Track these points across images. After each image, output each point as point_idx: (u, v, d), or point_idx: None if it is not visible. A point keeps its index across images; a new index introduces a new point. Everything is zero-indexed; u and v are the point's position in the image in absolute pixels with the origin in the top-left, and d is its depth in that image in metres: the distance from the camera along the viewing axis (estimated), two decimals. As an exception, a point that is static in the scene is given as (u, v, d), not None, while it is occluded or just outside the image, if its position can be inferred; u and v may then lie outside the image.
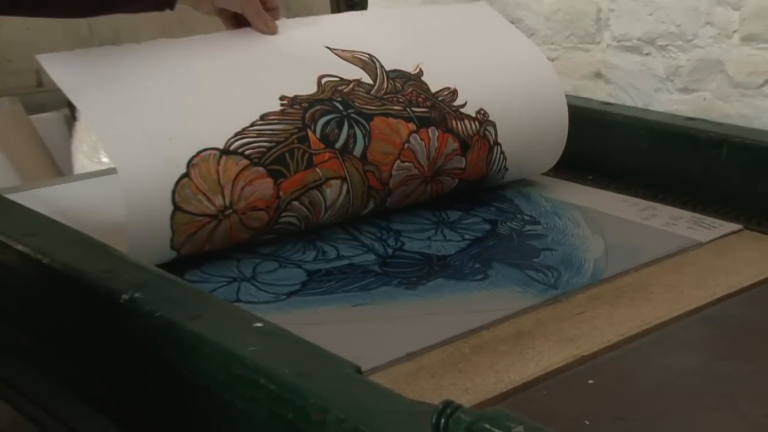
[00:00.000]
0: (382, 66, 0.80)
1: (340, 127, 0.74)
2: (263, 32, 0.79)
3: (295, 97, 0.74)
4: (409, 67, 0.81)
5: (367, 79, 0.79)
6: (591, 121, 0.92)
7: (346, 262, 0.73)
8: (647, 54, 1.21)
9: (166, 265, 0.67)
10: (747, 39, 1.11)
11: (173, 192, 0.67)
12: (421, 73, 0.82)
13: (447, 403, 0.39)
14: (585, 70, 1.29)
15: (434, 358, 0.59)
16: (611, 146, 0.90)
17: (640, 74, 1.23)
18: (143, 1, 0.75)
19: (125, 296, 0.51)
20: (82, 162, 1.49)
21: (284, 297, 0.67)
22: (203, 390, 0.47)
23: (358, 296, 0.67)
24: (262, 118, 0.72)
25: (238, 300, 0.66)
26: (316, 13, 0.94)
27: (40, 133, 1.53)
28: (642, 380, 0.55)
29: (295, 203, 0.72)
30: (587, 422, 0.51)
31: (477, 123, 0.81)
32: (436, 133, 0.78)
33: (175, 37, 0.79)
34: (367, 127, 0.75)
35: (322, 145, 0.73)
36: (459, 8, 0.94)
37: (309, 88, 0.75)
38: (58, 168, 1.49)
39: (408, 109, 0.78)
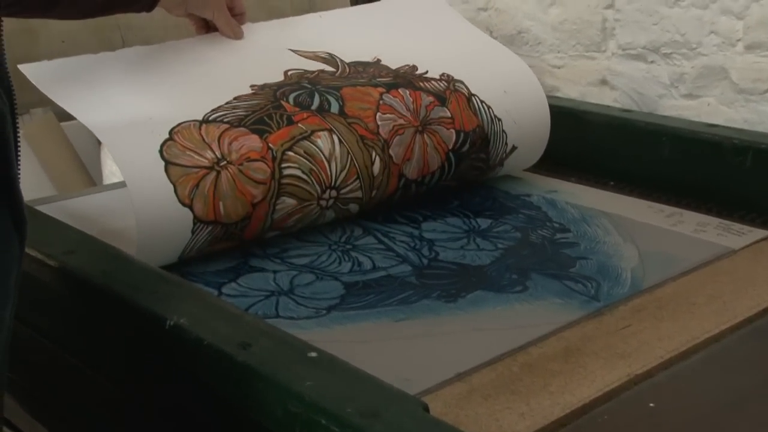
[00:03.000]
0: (342, 60, 0.77)
1: (311, 97, 0.70)
2: (230, 38, 0.76)
3: (265, 84, 0.71)
4: (367, 59, 0.78)
5: (329, 68, 0.76)
6: (611, 128, 0.85)
7: (382, 273, 0.65)
8: (652, 62, 1.14)
9: (201, 278, 0.59)
10: (751, 47, 1.04)
11: (160, 152, 0.62)
12: (379, 60, 0.78)
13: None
14: (591, 78, 1.21)
15: (484, 378, 0.51)
16: (632, 153, 0.83)
17: (645, 81, 1.15)
18: (138, 3, 0.69)
19: (170, 322, 0.44)
20: (111, 167, 1.42)
21: (324, 312, 0.59)
22: (256, 426, 0.40)
23: (399, 310, 0.59)
24: (235, 98, 0.69)
25: (278, 315, 0.59)
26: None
27: (71, 139, 1.45)
28: (706, 402, 0.48)
29: (291, 153, 0.66)
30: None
31: (444, 82, 0.77)
32: (407, 91, 0.74)
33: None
34: (338, 93, 0.71)
35: (298, 108, 0.69)
36: (412, 2, 0.89)
37: (276, 79, 0.72)
38: (89, 174, 1.41)
39: (373, 80, 0.74)
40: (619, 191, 0.81)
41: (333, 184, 0.68)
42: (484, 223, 0.74)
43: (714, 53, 1.06)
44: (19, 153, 0.43)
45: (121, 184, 0.94)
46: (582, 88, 1.22)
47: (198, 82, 0.71)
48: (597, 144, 0.85)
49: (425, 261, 0.67)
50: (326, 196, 0.68)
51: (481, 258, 0.67)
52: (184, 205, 0.61)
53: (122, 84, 0.69)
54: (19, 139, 0.43)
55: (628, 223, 0.73)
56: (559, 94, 1.22)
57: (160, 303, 0.46)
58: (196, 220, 0.62)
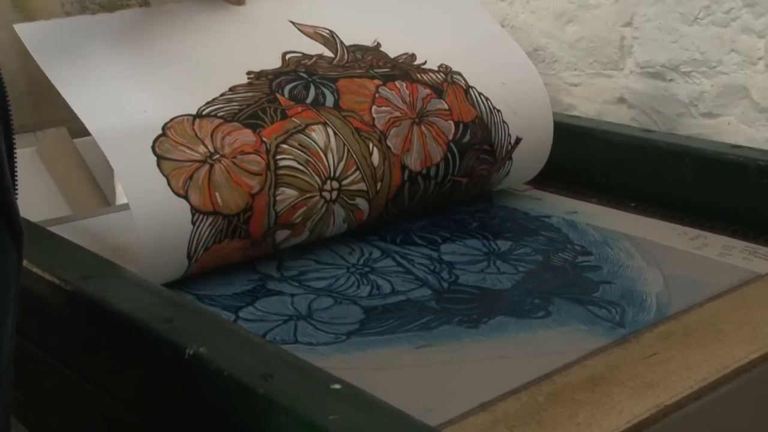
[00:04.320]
0: (342, 42, 0.76)
1: (306, 89, 0.70)
2: (232, 3, 0.76)
3: (261, 71, 0.71)
4: (367, 42, 0.78)
5: (328, 53, 0.75)
6: (631, 148, 0.83)
7: (402, 297, 0.64)
8: (671, 80, 1.13)
9: (218, 301, 0.59)
10: (772, 66, 1.03)
11: (152, 147, 0.62)
12: (379, 45, 0.78)
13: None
14: (608, 96, 1.20)
15: (509, 408, 0.50)
16: (654, 174, 0.82)
17: (663, 99, 1.14)
18: None
19: (189, 351, 0.43)
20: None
21: (344, 338, 0.58)
22: (279, 461, 0.39)
23: (420, 336, 0.58)
24: (230, 89, 0.68)
25: (296, 341, 0.58)
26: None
27: (84, 156, 1.45)
28: (739, 436, 0.47)
29: (285, 146, 0.65)
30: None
31: (442, 74, 0.77)
32: (404, 84, 0.74)
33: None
34: (334, 86, 0.71)
35: (293, 102, 0.69)
36: None
37: (274, 64, 0.72)
38: (102, 191, 1.41)
39: (370, 71, 0.74)
40: (641, 213, 0.80)
41: (332, 174, 0.67)
42: (504, 245, 0.73)
43: (734, 72, 1.05)
44: (15, 164, 0.42)
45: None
46: (599, 106, 1.21)
47: (195, 67, 0.70)
48: (617, 164, 0.84)
49: (445, 285, 0.66)
50: (328, 187, 0.67)
51: (502, 282, 0.66)
52: (179, 195, 0.61)
53: (118, 63, 0.67)
54: (15, 150, 0.43)
55: (651, 246, 0.72)
56: (575, 113, 1.21)
57: (178, 331, 0.45)
58: (194, 210, 0.62)
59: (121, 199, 1.34)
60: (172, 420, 0.46)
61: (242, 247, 0.65)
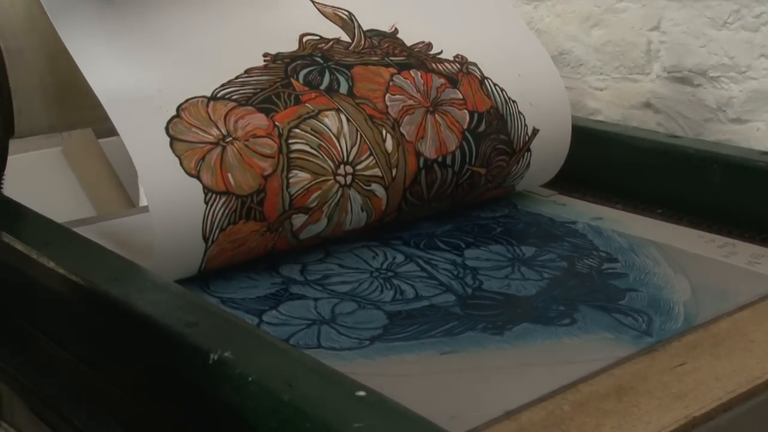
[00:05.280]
0: (359, 25, 0.77)
1: (321, 75, 0.71)
2: None
3: (278, 54, 0.71)
4: (384, 27, 0.78)
5: (345, 38, 0.75)
6: (658, 153, 0.83)
7: (425, 303, 0.64)
8: (698, 85, 1.11)
9: (242, 305, 0.58)
10: (803, 71, 1.01)
11: (166, 129, 0.63)
12: (396, 31, 0.78)
13: None
14: (634, 100, 1.19)
15: (534, 417, 0.49)
16: (681, 180, 0.81)
17: (690, 104, 1.13)
18: None
19: (214, 356, 0.43)
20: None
21: (368, 343, 0.58)
22: (303, 468, 0.39)
23: (444, 342, 0.58)
24: (246, 71, 0.69)
25: (320, 346, 0.57)
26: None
27: (108, 156, 1.46)
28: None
29: (297, 131, 0.66)
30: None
31: (457, 64, 0.77)
32: (419, 73, 0.74)
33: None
34: (349, 73, 0.71)
35: (307, 88, 0.69)
36: None
37: (291, 46, 0.72)
38: (125, 191, 1.42)
39: (386, 59, 0.74)
40: (668, 219, 0.79)
41: (345, 159, 0.67)
42: (528, 251, 0.73)
43: (764, 77, 1.04)
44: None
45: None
46: (625, 111, 1.19)
47: (213, 47, 0.70)
48: (643, 170, 0.83)
49: (469, 290, 0.66)
50: (342, 171, 0.67)
51: (527, 288, 0.66)
52: (191, 175, 0.62)
53: (137, 37, 0.68)
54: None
55: (678, 254, 0.71)
56: (600, 117, 1.20)
57: (202, 335, 0.45)
58: (207, 189, 0.62)
59: (145, 200, 1.35)
60: (195, 425, 0.46)
61: (259, 230, 0.65)
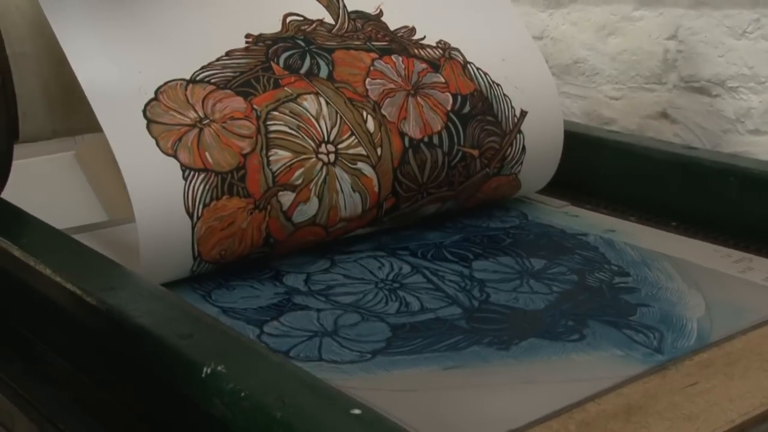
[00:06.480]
0: (344, 6, 0.77)
1: (302, 59, 0.71)
2: None
3: (260, 35, 0.71)
4: (370, 8, 0.78)
5: (329, 19, 0.75)
6: (673, 165, 0.81)
7: (431, 315, 0.62)
8: (716, 95, 1.09)
9: (243, 314, 0.57)
10: (823, 82, 0.99)
11: (144, 111, 0.64)
12: (381, 13, 0.78)
13: None
14: (650, 110, 1.17)
15: (539, 437, 0.48)
16: (697, 192, 0.79)
17: (708, 115, 1.11)
18: None
19: (207, 369, 0.42)
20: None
21: (369, 356, 0.57)
22: (294, 488, 0.37)
23: (447, 357, 0.56)
24: (227, 53, 0.69)
25: (320, 358, 0.56)
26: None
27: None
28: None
29: (276, 113, 0.66)
30: None
31: (440, 50, 0.77)
32: (400, 58, 0.74)
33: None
34: (330, 57, 0.72)
35: (286, 72, 0.69)
36: None
37: (274, 27, 0.72)
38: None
39: (368, 43, 0.74)
40: (682, 233, 0.77)
41: (326, 139, 0.67)
42: (537, 263, 0.71)
43: (783, 88, 1.02)
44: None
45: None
46: (640, 121, 1.18)
47: (195, 27, 0.70)
48: (658, 182, 0.81)
49: (476, 303, 0.64)
50: (324, 150, 0.67)
51: (535, 302, 0.64)
52: (167, 155, 0.62)
53: (119, 17, 0.68)
54: None
55: (693, 268, 0.69)
56: (615, 127, 1.19)
57: (196, 348, 0.43)
58: (184, 167, 0.62)
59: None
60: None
61: (246, 207, 0.64)
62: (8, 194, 1.03)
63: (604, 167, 0.86)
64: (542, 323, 0.61)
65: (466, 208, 0.80)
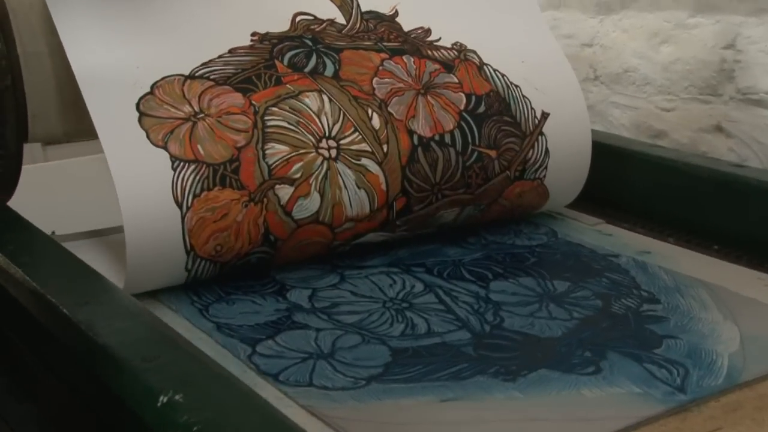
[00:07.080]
0: (358, 6, 0.74)
1: (308, 57, 0.68)
2: None
3: (266, 33, 0.69)
4: (385, 8, 0.75)
5: (341, 19, 0.73)
6: (718, 184, 0.75)
7: (437, 340, 0.58)
8: (775, 108, 1.02)
9: (237, 332, 0.54)
10: None
11: (137, 105, 0.63)
12: (396, 14, 0.75)
13: None
14: (704, 123, 1.11)
15: (534, 484, 0.43)
16: (742, 214, 0.73)
17: (766, 129, 1.04)
18: None
19: (163, 398, 0.38)
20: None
21: (363, 383, 0.53)
22: None
23: (447, 387, 0.52)
24: (230, 51, 0.67)
25: (311, 383, 0.52)
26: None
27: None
28: None
29: (275, 108, 0.64)
30: None
31: (455, 51, 0.74)
32: (411, 59, 0.71)
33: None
34: (337, 57, 0.69)
35: (290, 70, 0.67)
36: None
37: (282, 26, 0.70)
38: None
39: (379, 44, 0.71)
40: (723, 257, 0.71)
41: (327, 134, 0.65)
42: (561, 286, 0.66)
43: None
44: None
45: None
46: (693, 134, 1.11)
47: (200, 25, 0.69)
48: (700, 201, 0.75)
49: (487, 328, 0.60)
50: (324, 145, 0.65)
51: (552, 328, 0.59)
52: (157, 146, 0.61)
53: (123, 12, 0.67)
54: None
55: (731, 297, 0.63)
56: (666, 140, 1.12)
57: (157, 373, 0.40)
58: (174, 158, 0.61)
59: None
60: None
61: (240, 199, 0.62)
62: (51, 192, 1.02)
63: (643, 184, 0.81)
64: (556, 353, 0.56)
65: (491, 219, 0.76)
